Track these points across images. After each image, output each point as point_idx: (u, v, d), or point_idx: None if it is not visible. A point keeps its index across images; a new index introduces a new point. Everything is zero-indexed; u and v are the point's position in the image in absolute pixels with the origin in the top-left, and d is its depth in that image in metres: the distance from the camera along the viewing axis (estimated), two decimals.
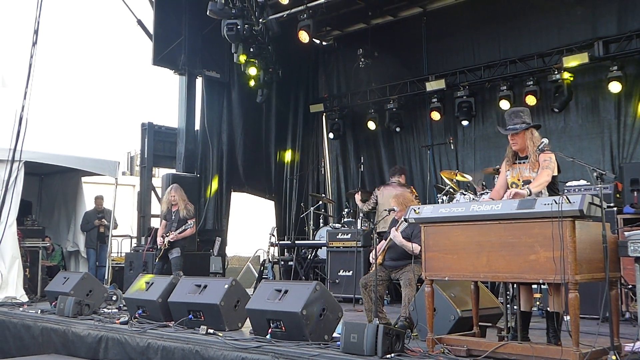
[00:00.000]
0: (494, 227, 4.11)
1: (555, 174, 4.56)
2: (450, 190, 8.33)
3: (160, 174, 14.19)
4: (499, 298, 5.77)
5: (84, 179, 11.16)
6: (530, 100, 9.89)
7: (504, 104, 10.12)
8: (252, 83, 11.17)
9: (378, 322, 4.40)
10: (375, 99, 12.08)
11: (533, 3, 10.31)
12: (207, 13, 9.76)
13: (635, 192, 7.17)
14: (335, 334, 4.96)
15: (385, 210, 6.61)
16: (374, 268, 5.68)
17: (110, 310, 7.20)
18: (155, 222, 10.81)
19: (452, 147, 11.02)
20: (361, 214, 9.34)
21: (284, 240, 11.11)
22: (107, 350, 5.79)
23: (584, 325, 4.21)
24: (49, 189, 11.51)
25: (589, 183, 7.46)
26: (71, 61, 41.39)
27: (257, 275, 11.05)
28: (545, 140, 4.54)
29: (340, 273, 8.92)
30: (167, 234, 8.13)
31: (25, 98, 7.53)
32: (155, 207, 11.21)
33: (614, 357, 3.68)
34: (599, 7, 9.69)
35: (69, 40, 40.97)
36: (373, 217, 8.96)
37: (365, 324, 4.35)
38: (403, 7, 11.83)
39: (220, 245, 11.34)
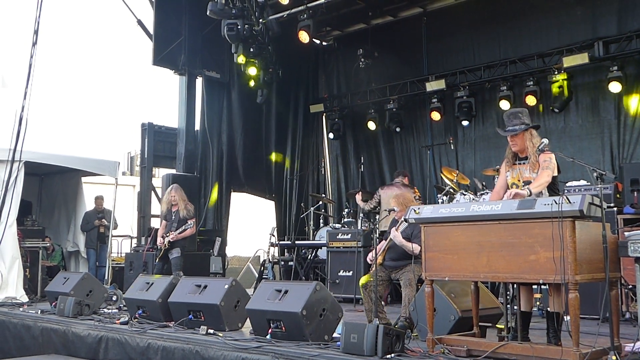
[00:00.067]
0: (494, 227, 4.11)
1: (556, 174, 4.57)
2: (451, 190, 8.33)
3: (160, 174, 14.19)
4: (499, 298, 5.77)
5: (84, 179, 11.17)
6: (530, 100, 9.89)
7: (504, 104, 10.12)
8: (252, 83, 11.18)
9: (378, 322, 4.40)
10: (375, 99, 12.08)
11: (533, 3, 10.31)
12: (207, 13, 9.76)
13: (635, 192, 7.17)
14: (335, 334, 4.96)
15: (386, 210, 6.62)
16: (374, 268, 5.68)
17: (110, 311, 7.20)
18: (155, 223, 10.81)
19: (452, 148, 11.03)
20: (361, 214, 9.34)
21: (284, 240, 11.11)
22: (107, 350, 5.79)
23: (584, 326, 4.21)
24: (49, 189, 11.51)
25: (589, 183, 7.46)
26: (71, 61, 41.42)
27: (257, 275, 11.05)
28: (545, 141, 4.54)
29: (341, 273, 8.92)
30: (167, 234, 8.13)
31: (25, 98, 7.52)
32: (156, 208, 11.21)
33: (614, 357, 3.68)
34: (599, 7, 9.69)
35: (69, 40, 40.99)
36: (373, 217, 8.97)
37: (365, 324, 4.35)
38: (403, 7, 11.83)
39: (220, 245, 11.34)
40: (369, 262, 6.06)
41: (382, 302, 7.65)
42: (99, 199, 10.91)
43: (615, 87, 9.16)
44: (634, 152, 9.19)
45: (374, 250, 5.69)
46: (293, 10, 9.76)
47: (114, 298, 7.77)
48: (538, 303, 6.24)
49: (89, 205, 10.99)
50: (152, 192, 11.54)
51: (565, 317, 4.32)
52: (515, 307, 4.55)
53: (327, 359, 4.30)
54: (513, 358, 3.99)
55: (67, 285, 7.44)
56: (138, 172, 14.16)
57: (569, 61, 9.45)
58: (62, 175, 11.02)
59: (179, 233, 8.07)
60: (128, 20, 11.56)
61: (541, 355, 3.86)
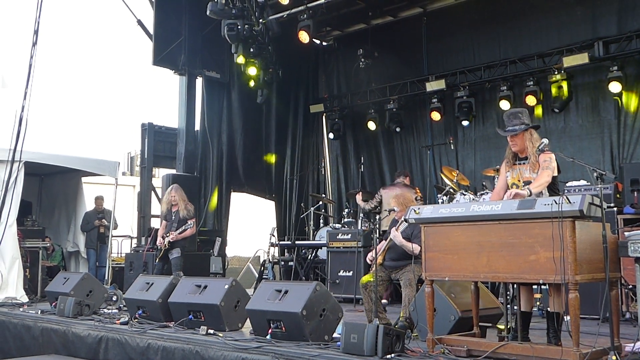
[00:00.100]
0: (494, 227, 4.11)
1: (556, 174, 4.57)
2: (451, 190, 8.33)
3: (160, 174, 14.19)
4: (499, 298, 5.77)
5: (84, 179, 11.17)
6: (531, 100, 9.89)
7: (504, 104, 10.12)
8: (252, 83, 11.18)
9: (378, 322, 4.40)
10: (376, 99, 12.07)
11: (533, 3, 10.31)
12: (207, 13, 9.76)
13: (635, 192, 7.17)
14: (335, 334, 4.96)
15: (386, 210, 6.62)
16: (374, 268, 5.68)
17: (110, 311, 7.19)
18: (155, 223, 10.81)
19: (452, 148, 11.03)
20: (361, 214, 9.34)
21: (284, 240, 11.11)
22: (107, 350, 5.79)
23: (584, 326, 4.20)
24: (49, 190, 11.51)
25: (589, 183, 7.46)
26: (71, 61, 41.43)
27: (257, 275, 11.05)
28: (545, 141, 4.54)
29: (341, 273, 8.92)
30: (167, 234, 8.14)
31: (25, 98, 7.52)
32: (156, 208, 11.21)
33: (614, 358, 3.68)
34: (599, 7, 9.69)
35: (69, 40, 41.00)
36: (373, 218, 8.97)
37: (365, 324, 4.35)
38: (403, 7, 11.82)
39: (220, 245, 11.34)
40: (369, 262, 6.07)
41: (385, 301, 7.71)
42: (99, 199, 10.91)
43: (615, 87, 9.15)
44: (634, 152, 9.18)
45: (374, 250, 5.69)
46: (293, 11, 9.76)
47: (114, 298, 7.77)
48: (538, 303, 6.24)
49: (89, 205, 10.99)
50: (152, 192, 11.54)
51: (565, 317, 4.32)
52: (515, 307, 4.55)
53: (327, 359, 4.30)
54: (513, 358, 3.99)
55: (67, 285, 7.44)
56: (138, 172, 14.17)
57: (569, 61, 9.45)
58: (62, 176, 11.02)
59: (179, 233, 8.07)
60: (128, 20, 11.59)
61: (541, 355, 3.86)
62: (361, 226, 9.14)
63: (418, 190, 8.20)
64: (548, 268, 3.81)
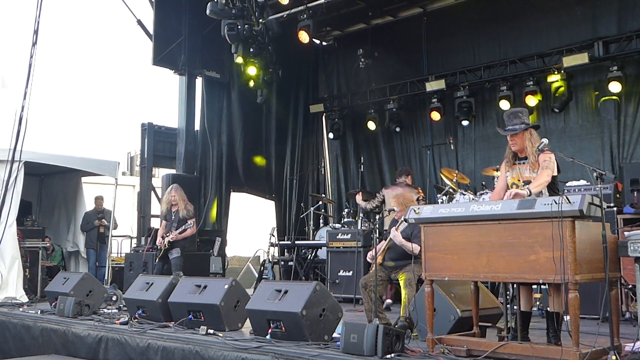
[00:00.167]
0: (494, 227, 4.11)
1: (555, 174, 4.57)
2: (450, 190, 8.32)
3: (160, 174, 14.18)
4: (499, 298, 5.77)
5: (84, 179, 11.17)
6: (531, 100, 9.89)
7: (504, 104, 10.11)
8: (251, 83, 11.18)
9: (378, 322, 4.40)
10: (375, 99, 12.07)
11: (533, 3, 10.31)
12: (207, 13, 9.76)
13: (635, 192, 7.17)
14: (335, 334, 4.96)
15: (386, 210, 6.62)
16: (373, 268, 5.68)
17: (110, 311, 7.20)
18: (155, 223, 10.81)
19: (452, 148, 11.02)
20: (361, 214, 9.34)
21: (284, 240, 11.11)
22: (107, 350, 5.79)
23: (584, 325, 4.20)
24: (49, 189, 11.51)
25: (588, 183, 7.46)
26: (71, 61, 41.43)
27: (257, 275, 11.05)
28: (545, 141, 4.54)
29: (340, 273, 8.92)
30: (167, 234, 8.13)
31: (25, 98, 7.52)
32: (155, 208, 11.22)
33: (614, 357, 3.68)
34: (599, 7, 9.68)
35: (69, 40, 41.00)
36: (373, 217, 8.97)
37: (365, 324, 4.35)
38: (403, 7, 11.82)
39: (220, 245, 11.34)
40: (369, 261, 6.06)
41: (389, 301, 7.71)
42: (98, 199, 10.91)
43: (615, 87, 9.16)
44: (634, 152, 9.19)
45: (373, 250, 5.69)
46: (293, 10, 9.76)
47: (114, 298, 7.77)
48: (538, 303, 6.24)
49: (88, 205, 11.00)
50: (152, 192, 11.54)
51: (565, 317, 4.32)
52: (515, 307, 4.55)
53: (327, 359, 4.30)
54: (513, 358, 3.99)
55: (67, 285, 7.44)
56: (138, 172, 14.16)
57: (568, 61, 9.44)
58: (62, 176, 11.03)
59: (180, 233, 8.07)
60: (128, 20, 11.58)
61: (541, 355, 3.86)
62: (361, 226, 9.14)
63: (420, 190, 8.17)
64: (548, 268, 3.81)
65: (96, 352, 5.88)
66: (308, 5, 9.60)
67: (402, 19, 12.05)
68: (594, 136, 9.66)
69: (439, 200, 8.42)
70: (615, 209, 6.87)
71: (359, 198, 8.71)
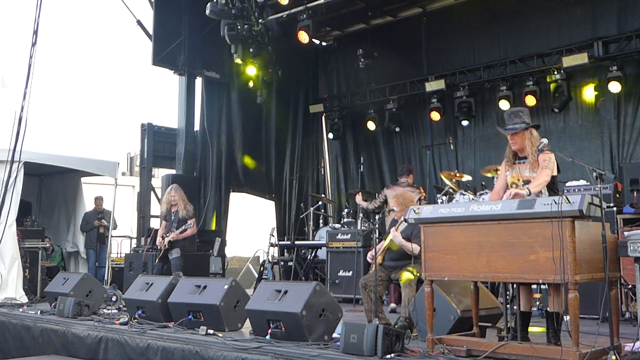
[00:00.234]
0: (493, 227, 4.11)
1: (555, 174, 4.57)
2: (450, 190, 8.32)
3: (159, 174, 14.18)
4: (499, 298, 5.78)
5: (83, 179, 11.17)
6: (530, 100, 9.89)
7: (504, 104, 10.12)
8: (251, 83, 11.17)
9: (378, 322, 4.40)
10: (375, 99, 12.07)
11: (533, 3, 10.31)
12: (207, 13, 9.75)
13: (635, 192, 7.18)
14: (335, 335, 4.96)
15: (386, 210, 6.62)
16: (373, 268, 5.68)
17: (110, 311, 7.20)
18: (154, 223, 10.81)
19: (452, 148, 11.02)
20: (361, 214, 9.34)
21: (283, 240, 11.11)
22: (107, 351, 5.79)
23: (584, 325, 4.21)
24: (49, 190, 11.51)
25: (588, 183, 7.46)
26: (71, 61, 41.44)
27: (256, 275, 11.05)
28: (545, 141, 4.54)
29: (340, 273, 8.92)
30: (167, 235, 8.13)
31: (24, 98, 7.51)
32: (155, 208, 11.21)
33: (613, 357, 3.68)
34: (599, 7, 9.69)
35: (69, 40, 41.01)
36: (373, 217, 8.96)
37: (365, 325, 4.35)
38: (403, 7, 11.82)
39: (220, 245, 11.34)
40: (369, 261, 6.06)
41: (394, 305, 7.70)
42: (98, 200, 10.91)
43: (614, 87, 9.16)
44: (634, 152, 9.19)
45: (373, 249, 5.69)
46: (292, 11, 9.76)
47: (114, 298, 7.77)
48: (538, 303, 6.24)
49: (88, 205, 10.99)
50: (152, 192, 11.53)
51: (564, 317, 4.32)
52: (515, 307, 4.55)
53: (326, 359, 4.30)
54: (513, 358, 3.99)
55: (67, 285, 7.44)
56: (138, 172, 14.15)
57: (568, 61, 9.45)
58: (61, 176, 11.02)
59: (180, 233, 8.07)
60: (128, 20, 11.57)
61: (541, 355, 3.86)
62: (361, 226, 9.14)
63: (422, 190, 8.16)
64: (548, 268, 3.81)
65: (96, 352, 5.88)
66: (308, 5, 9.60)
67: (402, 19, 12.05)
68: (593, 136, 9.66)
69: (439, 201, 8.41)
70: (615, 209, 6.87)
71: (358, 198, 8.70)
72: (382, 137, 12.18)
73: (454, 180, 8.67)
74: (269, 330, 4.98)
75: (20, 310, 7.47)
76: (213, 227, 11.51)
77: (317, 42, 13.33)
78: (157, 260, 8.22)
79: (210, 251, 10.97)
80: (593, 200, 3.88)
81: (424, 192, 8.36)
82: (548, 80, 9.88)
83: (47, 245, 10.23)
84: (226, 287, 5.80)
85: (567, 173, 8.15)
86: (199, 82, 11.68)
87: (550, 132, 9.83)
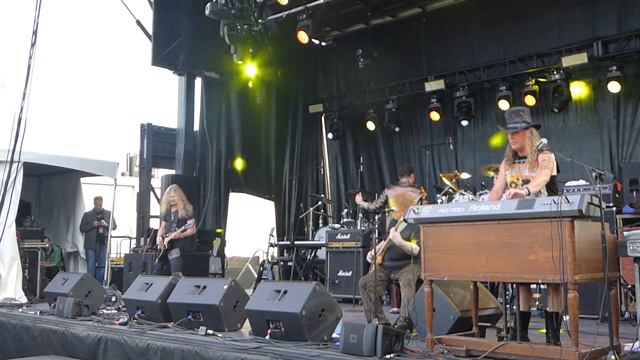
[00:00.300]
0: (493, 227, 4.11)
1: (555, 173, 4.57)
2: (450, 190, 8.32)
3: (159, 174, 14.19)
4: (498, 298, 5.77)
5: (83, 179, 11.16)
6: (530, 100, 9.89)
7: (503, 104, 10.12)
8: (251, 84, 11.16)
9: (377, 322, 4.40)
10: (375, 100, 12.07)
11: (533, 3, 10.31)
12: (207, 13, 9.74)
13: (634, 192, 7.18)
14: (334, 335, 4.96)
15: (386, 210, 6.61)
16: (373, 268, 5.68)
17: (109, 311, 7.20)
18: (154, 223, 10.81)
19: (452, 148, 11.02)
20: (360, 214, 9.34)
21: (283, 240, 11.11)
22: (107, 351, 5.79)
23: (583, 325, 4.21)
24: (48, 190, 11.50)
25: (588, 183, 7.45)
26: (71, 61, 41.43)
27: (256, 275, 11.05)
28: (545, 140, 4.55)
29: (340, 273, 8.92)
30: (167, 235, 8.13)
31: (24, 99, 7.50)
32: (155, 208, 11.21)
33: (613, 357, 3.68)
34: (599, 7, 9.69)
35: (68, 40, 41.01)
36: (372, 218, 8.96)
37: (364, 325, 4.35)
38: (402, 7, 11.82)
39: (220, 245, 11.33)
40: (369, 261, 6.06)
41: (397, 309, 7.69)
42: (98, 200, 10.91)
43: (614, 87, 9.16)
44: (633, 152, 9.19)
45: (373, 249, 5.69)
46: (292, 11, 9.76)
47: (113, 299, 7.76)
48: (537, 303, 6.24)
49: (88, 205, 10.99)
50: (151, 192, 11.53)
51: (564, 316, 4.32)
52: (515, 307, 4.55)
53: (326, 359, 4.30)
54: (512, 358, 3.99)
55: (66, 286, 7.44)
56: (137, 172, 14.16)
57: (568, 61, 9.45)
58: (61, 176, 11.02)
59: (181, 232, 8.06)
60: (127, 20, 11.58)
61: (540, 355, 3.86)
62: (360, 226, 9.13)
63: (423, 190, 8.15)
64: (547, 268, 3.81)
65: (95, 352, 5.88)
66: (307, 5, 9.60)
67: (402, 19, 12.06)
68: (593, 136, 9.66)
69: (439, 201, 8.41)
70: (614, 208, 6.87)
71: (358, 198, 8.70)
72: (382, 137, 12.18)
73: (453, 180, 8.67)
74: (269, 331, 4.98)
75: (20, 310, 7.47)
76: (212, 227, 11.50)
77: (317, 42, 13.32)
78: (156, 261, 8.22)
79: (210, 251, 10.96)
80: (592, 200, 3.88)
81: (425, 192, 8.36)
82: (547, 80, 9.88)
83: (47, 245, 10.23)
84: (226, 287, 5.80)
85: (566, 173, 8.15)
86: (198, 82, 11.68)
87: (550, 132, 9.82)
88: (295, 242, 10.52)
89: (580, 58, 9.35)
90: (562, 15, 10.05)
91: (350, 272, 8.68)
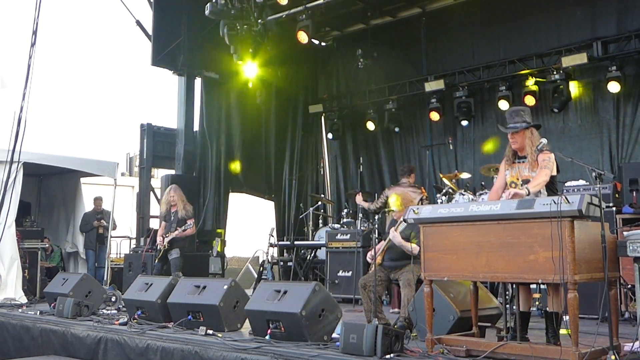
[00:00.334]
0: (493, 227, 4.11)
1: (554, 174, 4.57)
2: (450, 190, 8.32)
3: (159, 174, 14.19)
4: (498, 298, 5.77)
5: (83, 179, 11.16)
6: (530, 100, 9.88)
7: (503, 104, 10.12)
8: (250, 84, 11.16)
9: (377, 322, 4.40)
10: (375, 100, 12.06)
11: (532, 3, 10.31)
12: (206, 13, 9.74)
13: (634, 192, 7.18)
14: (334, 335, 4.96)
15: (385, 210, 6.62)
16: (373, 268, 5.68)
17: (109, 312, 7.20)
18: (154, 223, 10.81)
19: (452, 148, 11.02)
20: (360, 214, 9.33)
21: (283, 240, 11.10)
22: (107, 351, 5.79)
23: (583, 325, 4.21)
24: (48, 190, 11.50)
25: (588, 183, 7.45)
26: (70, 61, 41.43)
27: (256, 276, 11.04)
28: (544, 141, 4.55)
29: (340, 273, 8.92)
30: (167, 235, 8.13)
31: (24, 99, 7.51)
32: (155, 208, 11.21)
33: (613, 357, 3.68)
34: (599, 7, 9.69)
35: (68, 40, 41.01)
36: (372, 218, 8.96)
37: (364, 325, 4.35)
38: (402, 7, 11.81)
39: (220, 245, 11.33)
40: (369, 261, 6.06)
41: (397, 309, 7.68)
42: (97, 200, 10.91)
43: (614, 87, 9.15)
44: (633, 152, 9.19)
45: (373, 249, 5.69)
46: (292, 11, 9.76)
47: (113, 299, 7.76)
48: (537, 303, 6.24)
49: (87, 206, 10.99)
50: (151, 192, 11.54)
51: (564, 316, 4.32)
52: (514, 307, 4.55)
53: (326, 359, 4.30)
54: (512, 358, 3.99)
55: (66, 286, 7.44)
56: (137, 172, 14.16)
57: (567, 61, 9.45)
58: (61, 176, 11.02)
59: (182, 231, 8.06)
60: (127, 20, 11.58)
61: (540, 355, 3.86)
62: (360, 226, 9.13)
63: (424, 190, 8.14)
64: (547, 268, 3.81)
65: (95, 352, 5.88)
66: (307, 5, 9.60)
67: (401, 19, 12.05)
68: (593, 136, 9.66)
69: (439, 201, 8.41)
70: (614, 208, 6.87)
71: (358, 198, 8.70)
72: (382, 137, 12.18)
73: (453, 180, 8.67)
74: (269, 331, 4.98)
75: (20, 310, 7.47)
76: (212, 227, 11.50)
77: (317, 42, 13.32)
78: (156, 261, 8.22)
79: (210, 251, 10.96)
80: (592, 200, 3.88)
81: (426, 192, 8.35)
82: (547, 80, 9.88)
83: (47, 245, 10.23)
84: (225, 287, 5.80)
85: (566, 173, 8.15)
86: (198, 82, 11.67)
87: (550, 132, 9.82)
88: (295, 242, 10.52)
89: (580, 58, 9.35)
90: (562, 15, 10.05)
91: (350, 272, 8.68)
